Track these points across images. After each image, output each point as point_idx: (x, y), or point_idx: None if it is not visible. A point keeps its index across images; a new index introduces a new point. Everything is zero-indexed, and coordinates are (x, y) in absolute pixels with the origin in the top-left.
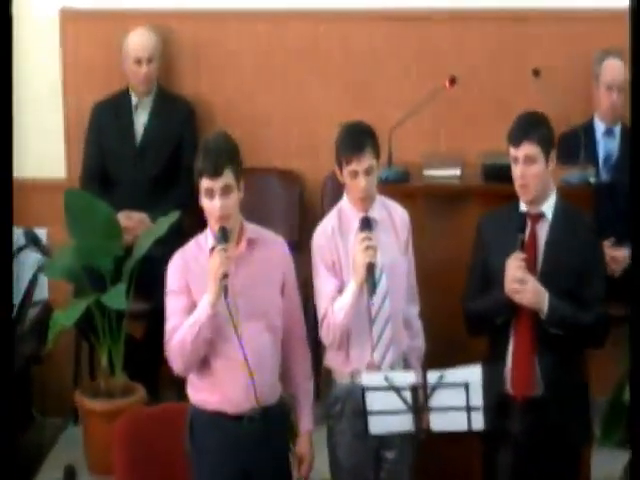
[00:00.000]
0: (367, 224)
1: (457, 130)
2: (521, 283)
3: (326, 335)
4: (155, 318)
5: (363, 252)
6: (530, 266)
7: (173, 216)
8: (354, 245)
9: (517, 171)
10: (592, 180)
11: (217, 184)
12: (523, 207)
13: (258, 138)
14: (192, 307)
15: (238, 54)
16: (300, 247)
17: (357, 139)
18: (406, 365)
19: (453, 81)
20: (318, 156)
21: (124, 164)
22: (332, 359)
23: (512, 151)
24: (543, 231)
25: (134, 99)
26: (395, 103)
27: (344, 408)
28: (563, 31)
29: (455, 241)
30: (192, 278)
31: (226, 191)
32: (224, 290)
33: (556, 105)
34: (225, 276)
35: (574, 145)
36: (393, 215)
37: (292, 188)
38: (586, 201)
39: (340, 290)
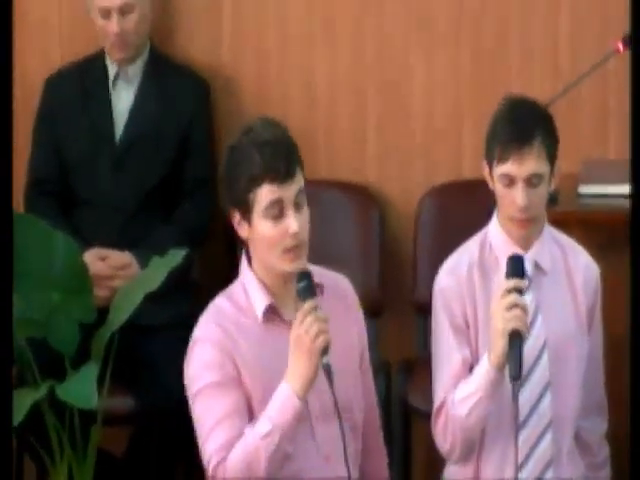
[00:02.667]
0: (518, 267)
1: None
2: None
3: (442, 438)
4: (145, 423)
5: (506, 312)
6: None
7: (175, 257)
8: (494, 300)
9: None
10: None
11: (289, 192)
12: None
13: (313, 135)
14: (247, 404)
15: (286, 7)
16: (381, 310)
17: (519, 124)
18: None
19: (630, 41)
20: (410, 164)
21: (97, 172)
22: (453, 475)
23: None
24: None
25: (111, 68)
26: (536, 76)
27: None
28: None
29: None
30: (242, 358)
31: (300, 203)
32: (326, 372)
33: None
34: (326, 349)
35: None
36: (571, 263)
37: (367, 212)
38: None
39: (473, 367)
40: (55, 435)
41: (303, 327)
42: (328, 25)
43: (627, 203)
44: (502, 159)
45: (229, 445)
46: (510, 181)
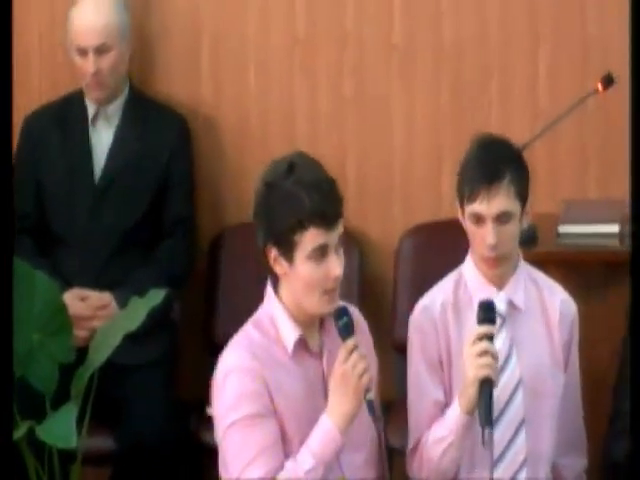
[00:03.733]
0: (489, 313)
1: (615, 162)
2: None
3: (418, 476)
4: (125, 463)
5: (476, 359)
6: None
7: (155, 297)
8: (466, 345)
9: None
10: None
11: (333, 237)
12: None
13: None
14: (281, 436)
15: (266, 44)
16: None
17: (488, 164)
18: None
19: (609, 81)
20: (390, 204)
21: (76, 211)
22: None
23: None
24: None
25: (91, 108)
26: (516, 116)
27: None
28: None
29: (611, 338)
30: (276, 388)
31: (340, 245)
32: (371, 409)
33: None
34: (369, 388)
35: None
36: (547, 300)
37: (347, 252)
38: None
39: (448, 404)
40: (34, 475)
41: (349, 365)
42: (308, 63)
43: (607, 242)
44: (471, 198)
45: (269, 478)
46: (479, 219)
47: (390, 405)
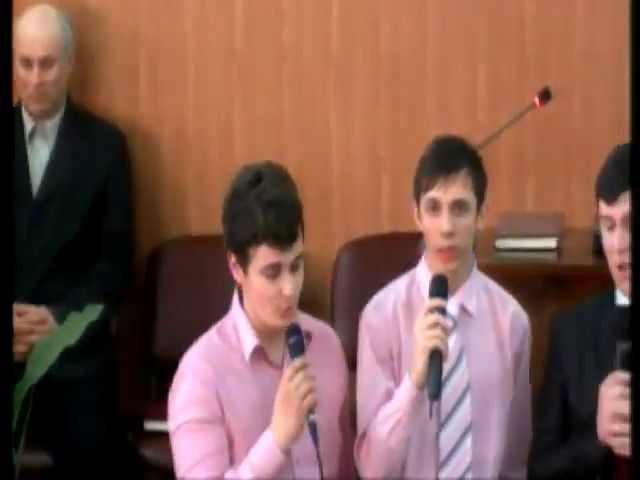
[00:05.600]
0: (441, 287)
1: (553, 176)
2: (625, 422)
3: (365, 465)
4: (61, 479)
5: (427, 330)
6: None
7: (93, 312)
8: (417, 320)
9: (613, 240)
10: None
11: (287, 257)
12: (621, 299)
13: None
14: (227, 445)
15: (204, 59)
16: None
17: (446, 155)
18: None
19: (546, 96)
20: (328, 221)
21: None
22: None
23: (604, 209)
24: None
25: (28, 123)
26: (454, 129)
27: None
28: None
29: (546, 351)
30: (227, 396)
31: (297, 265)
32: (312, 431)
33: None
34: (312, 409)
35: None
36: (499, 309)
37: None
38: None
39: None
40: None
41: (293, 384)
42: (246, 77)
43: (545, 257)
44: (428, 186)
45: None
46: (435, 207)
47: None
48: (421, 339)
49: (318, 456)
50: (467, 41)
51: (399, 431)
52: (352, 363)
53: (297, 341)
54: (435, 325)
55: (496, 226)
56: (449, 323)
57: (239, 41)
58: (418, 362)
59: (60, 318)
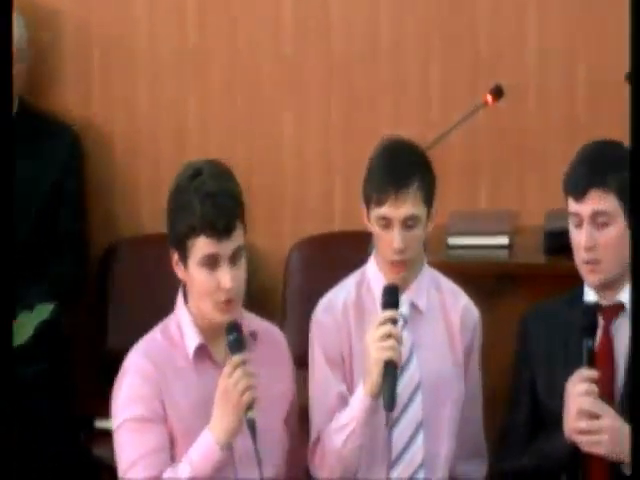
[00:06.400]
0: (393, 297)
1: (505, 173)
2: (591, 419)
3: (319, 471)
4: None
5: (380, 342)
6: (605, 390)
7: (44, 311)
8: (370, 330)
9: (580, 237)
10: None
11: (225, 248)
12: (591, 296)
13: None
14: (169, 443)
15: (158, 58)
16: None
17: (396, 168)
18: None
19: (499, 93)
20: (279, 219)
21: None
22: None
23: (572, 206)
24: (623, 334)
25: None
26: (406, 126)
27: None
28: None
29: (498, 350)
30: (169, 395)
31: (237, 257)
32: (250, 427)
33: None
34: (250, 405)
35: None
36: (450, 306)
37: None
38: None
39: (348, 401)
40: None
41: (231, 381)
42: (199, 76)
43: (496, 254)
44: (379, 202)
45: None
46: (387, 223)
47: None
48: (374, 351)
49: (257, 453)
50: (420, 40)
51: (353, 439)
52: (304, 362)
53: (236, 338)
54: (388, 336)
55: (448, 224)
56: (400, 333)
57: (192, 40)
58: (372, 373)
59: None
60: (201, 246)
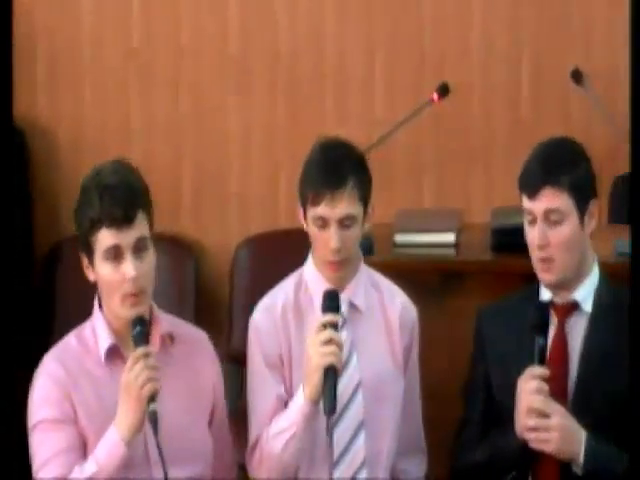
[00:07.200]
0: (334, 302)
1: (450, 172)
2: (542, 417)
3: (257, 472)
4: None
5: (321, 347)
6: (557, 389)
7: None
8: (310, 334)
9: (534, 235)
10: None
11: (127, 238)
12: (545, 294)
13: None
14: (81, 444)
15: (102, 58)
16: None
17: (332, 168)
18: None
19: (444, 91)
20: (225, 215)
21: None
22: None
23: (526, 203)
24: (577, 332)
25: None
26: (352, 125)
27: None
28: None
29: (446, 347)
30: (80, 397)
31: (141, 248)
32: (152, 420)
33: (607, 130)
34: (153, 396)
35: None
36: (388, 304)
37: (182, 263)
38: None
39: (287, 404)
40: None
41: (132, 374)
42: (144, 76)
43: (443, 252)
44: (315, 202)
45: None
46: (323, 223)
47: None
48: (315, 356)
49: (159, 448)
50: (365, 39)
51: (293, 444)
52: None
53: (140, 331)
54: (329, 341)
55: (395, 221)
56: (340, 339)
57: (137, 40)
58: (313, 378)
59: None
60: (102, 238)
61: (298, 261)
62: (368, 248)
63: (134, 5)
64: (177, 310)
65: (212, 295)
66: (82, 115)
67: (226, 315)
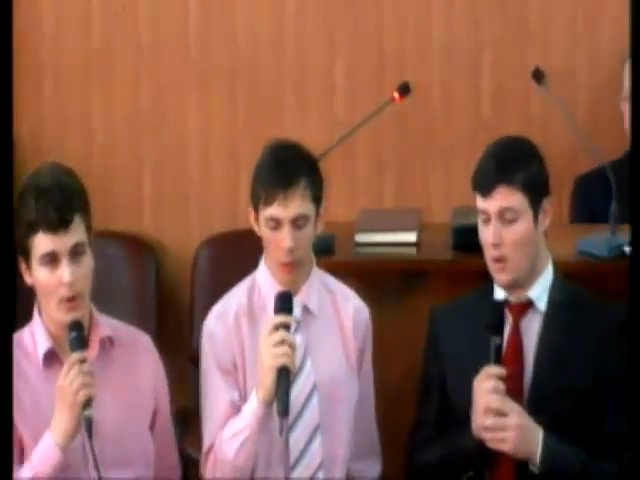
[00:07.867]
0: (286, 303)
1: (411, 171)
2: (498, 417)
3: (211, 477)
4: None
5: (274, 348)
6: (513, 388)
7: None
8: (262, 336)
9: (488, 234)
10: (628, 250)
11: (64, 242)
12: (499, 293)
13: (93, 187)
14: (19, 451)
15: (62, 58)
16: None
17: (283, 168)
18: None
19: (405, 90)
20: (186, 215)
21: None
22: None
23: (480, 202)
24: (532, 331)
25: None
26: (313, 125)
27: None
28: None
29: (408, 346)
30: (17, 403)
31: (77, 253)
32: (87, 426)
33: (568, 129)
34: (88, 402)
35: (597, 194)
36: (341, 307)
37: (143, 262)
38: (616, 283)
39: (241, 409)
40: None
41: (67, 379)
42: (104, 76)
43: (404, 251)
44: (268, 202)
45: None
46: (276, 224)
47: (187, 417)
48: (268, 357)
49: (92, 453)
50: (325, 38)
51: (247, 447)
52: None
53: (77, 336)
54: (282, 342)
55: (356, 221)
56: (293, 340)
57: (97, 40)
58: (266, 380)
59: None
60: (39, 243)
61: (258, 261)
62: (329, 248)
63: (93, 5)
64: (138, 310)
65: (173, 295)
66: (42, 114)
67: (187, 315)
